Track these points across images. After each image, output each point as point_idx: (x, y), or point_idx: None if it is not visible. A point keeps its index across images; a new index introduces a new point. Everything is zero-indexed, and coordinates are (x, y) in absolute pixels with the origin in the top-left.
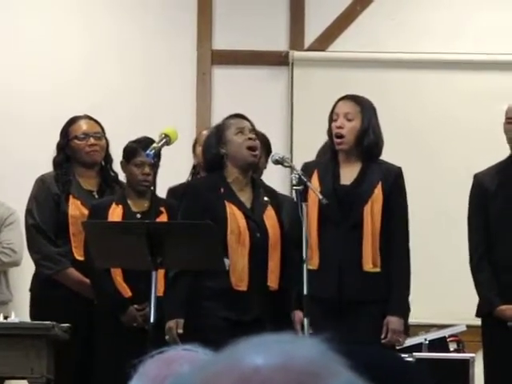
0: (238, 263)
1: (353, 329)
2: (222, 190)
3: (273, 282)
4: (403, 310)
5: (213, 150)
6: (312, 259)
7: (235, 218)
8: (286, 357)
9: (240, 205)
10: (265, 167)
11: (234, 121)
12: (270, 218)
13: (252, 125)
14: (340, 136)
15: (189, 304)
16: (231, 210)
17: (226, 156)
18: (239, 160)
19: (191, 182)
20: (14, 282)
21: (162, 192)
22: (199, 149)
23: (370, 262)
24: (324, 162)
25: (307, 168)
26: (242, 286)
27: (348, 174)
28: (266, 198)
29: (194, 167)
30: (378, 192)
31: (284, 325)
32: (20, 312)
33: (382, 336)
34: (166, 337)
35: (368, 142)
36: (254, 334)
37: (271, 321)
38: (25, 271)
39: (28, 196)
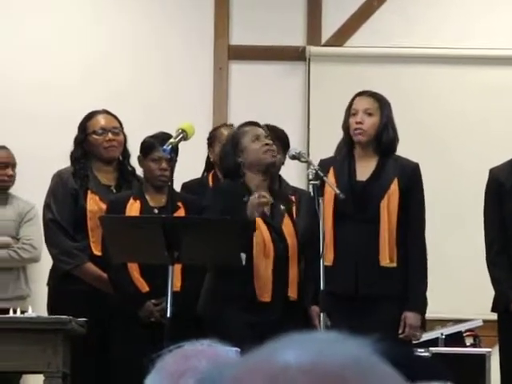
0: (262, 274)
1: (369, 324)
2: (246, 198)
3: (293, 292)
4: (420, 306)
5: (230, 159)
6: (327, 255)
7: (260, 230)
8: (318, 358)
9: (263, 214)
10: (282, 163)
11: (248, 128)
12: (287, 226)
13: (266, 131)
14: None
15: (211, 310)
16: (256, 220)
17: (244, 164)
18: (258, 165)
19: (221, 184)
20: (32, 277)
21: (178, 187)
22: (217, 146)
23: (387, 257)
24: (340, 159)
25: (323, 165)
26: (266, 298)
27: (364, 169)
28: (282, 207)
29: (208, 161)
30: (394, 187)
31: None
32: (38, 306)
33: (400, 331)
34: None
35: (387, 138)
36: (275, 332)
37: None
38: (43, 266)
39: (39, 192)
